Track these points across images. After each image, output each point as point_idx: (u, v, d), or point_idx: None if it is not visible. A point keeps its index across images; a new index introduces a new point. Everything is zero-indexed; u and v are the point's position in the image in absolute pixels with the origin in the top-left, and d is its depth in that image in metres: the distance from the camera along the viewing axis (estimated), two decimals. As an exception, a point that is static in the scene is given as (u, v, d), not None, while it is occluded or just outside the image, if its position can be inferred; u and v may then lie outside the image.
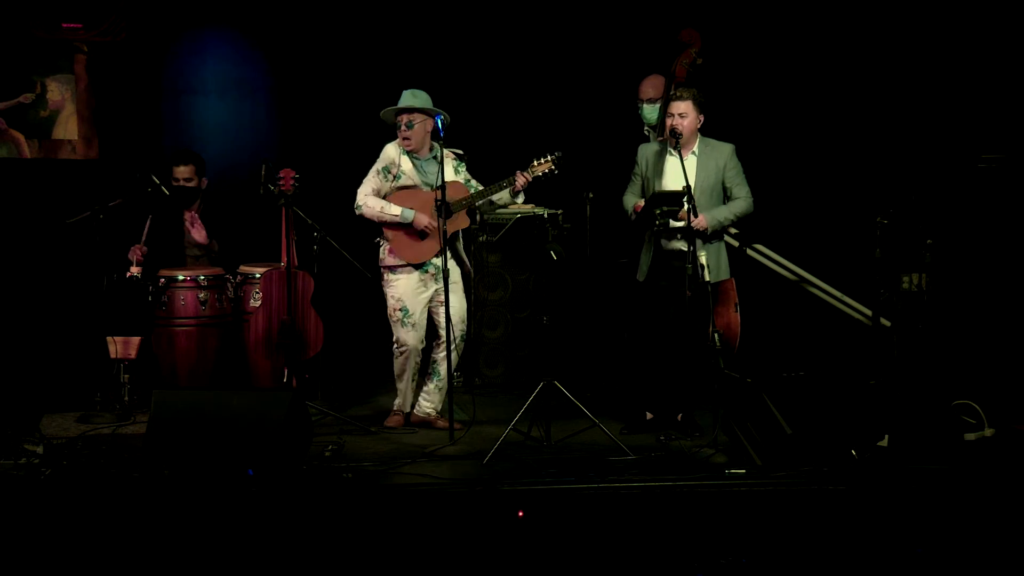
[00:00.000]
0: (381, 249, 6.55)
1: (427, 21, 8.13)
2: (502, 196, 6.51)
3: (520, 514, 5.05)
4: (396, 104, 6.47)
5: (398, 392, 6.61)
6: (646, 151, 6.46)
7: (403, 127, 6.44)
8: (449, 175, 6.42)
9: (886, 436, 5.91)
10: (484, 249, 7.65)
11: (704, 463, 5.68)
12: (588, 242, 7.17)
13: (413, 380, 6.57)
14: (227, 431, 5.37)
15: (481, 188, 6.49)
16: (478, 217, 7.58)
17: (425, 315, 6.52)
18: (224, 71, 8.22)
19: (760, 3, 8.03)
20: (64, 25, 7.95)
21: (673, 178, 6.24)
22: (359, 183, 6.54)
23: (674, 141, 6.18)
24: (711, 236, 6.24)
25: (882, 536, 5.08)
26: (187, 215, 7.23)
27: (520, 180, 6.35)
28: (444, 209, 6.23)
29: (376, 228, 6.55)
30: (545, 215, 7.48)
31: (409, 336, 6.47)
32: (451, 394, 6.35)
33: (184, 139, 8.02)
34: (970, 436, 6.15)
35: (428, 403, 6.58)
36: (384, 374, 6.73)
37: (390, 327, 6.55)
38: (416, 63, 7.71)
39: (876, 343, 6.36)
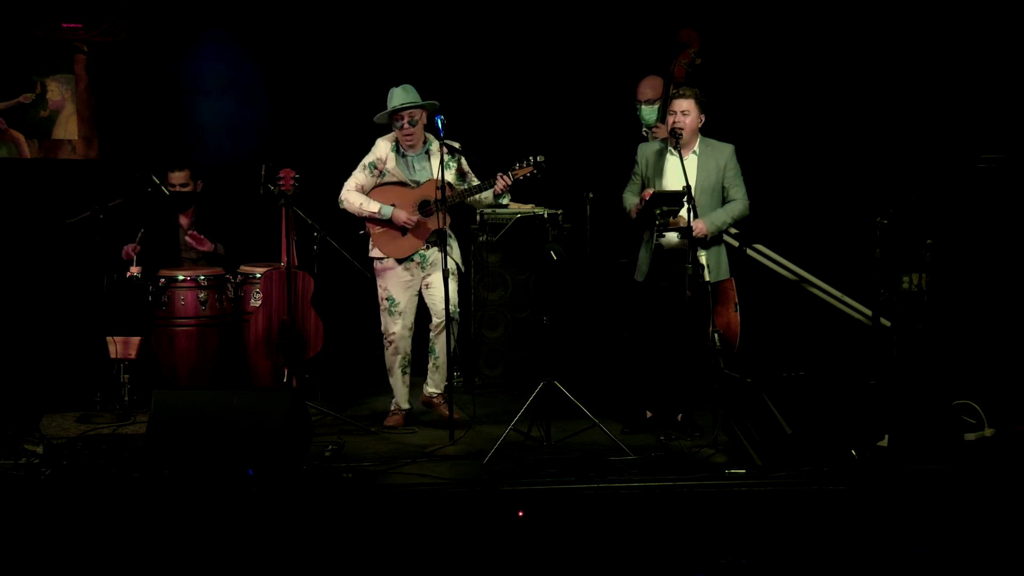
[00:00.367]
0: (369, 242, 6.62)
1: (427, 21, 8.13)
2: (486, 196, 6.54)
3: (520, 514, 5.05)
4: (387, 106, 6.45)
5: (392, 389, 6.66)
6: (646, 150, 6.45)
7: (406, 125, 6.44)
8: (436, 171, 6.44)
9: (886, 436, 5.91)
10: (484, 249, 7.65)
11: (704, 463, 5.68)
12: (588, 242, 7.17)
13: (404, 373, 6.62)
14: (227, 431, 5.37)
15: (464, 187, 6.53)
16: (478, 217, 7.59)
17: (413, 305, 6.60)
18: (224, 71, 8.21)
19: (759, 3, 8.03)
20: (64, 25, 7.95)
21: (674, 178, 6.23)
22: (356, 181, 6.57)
23: (674, 140, 6.18)
24: (710, 241, 6.25)
25: (882, 536, 5.08)
26: (183, 221, 7.23)
27: (500, 183, 6.37)
28: (422, 207, 6.32)
29: (361, 220, 6.59)
30: (545, 215, 7.49)
31: (396, 325, 6.55)
32: (451, 394, 6.37)
33: (184, 139, 8.03)
34: (970, 436, 6.15)
35: (431, 383, 6.66)
36: (384, 375, 6.73)
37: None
38: (416, 63, 7.70)
39: (876, 343, 6.36)
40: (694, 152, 6.31)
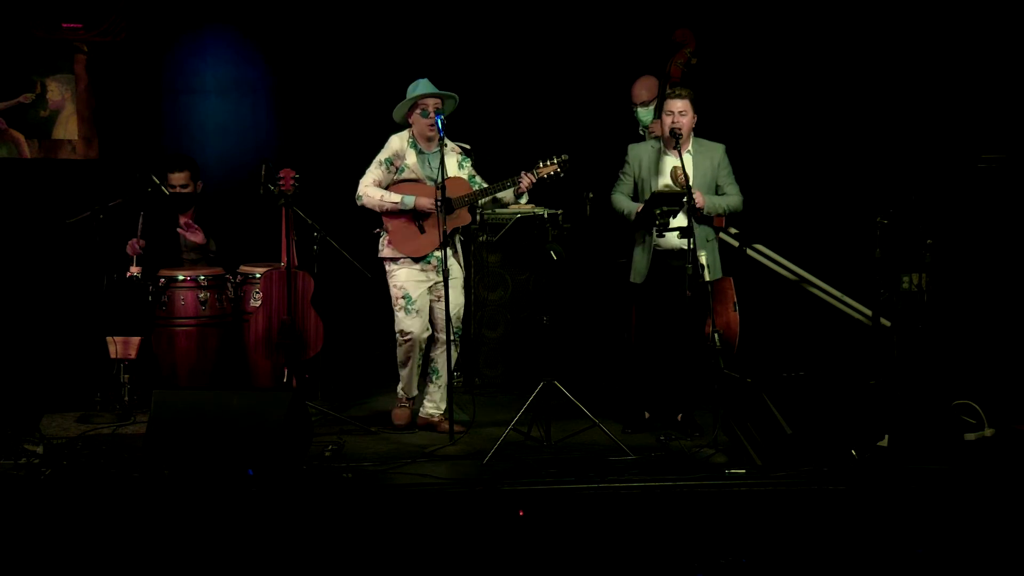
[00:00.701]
0: (380, 241, 6.54)
1: (426, 22, 8.13)
2: (506, 195, 6.47)
3: (520, 514, 5.05)
4: (407, 97, 6.40)
5: (400, 379, 6.56)
6: (639, 150, 6.44)
7: (432, 113, 6.33)
8: (453, 170, 6.41)
9: (886, 436, 5.91)
10: (484, 249, 7.64)
11: (704, 463, 5.68)
12: (588, 242, 7.16)
13: (418, 368, 6.54)
14: (227, 431, 5.37)
15: (485, 186, 6.47)
16: (478, 217, 7.58)
17: (427, 303, 6.48)
18: (224, 71, 8.22)
19: (757, 2, 8.02)
20: (64, 25, 7.95)
21: (673, 178, 6.24)
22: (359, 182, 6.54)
23: (674, 141, 6.17)
24: (702, 226, 6.21)
25: (882, 536, 5.08)
26: (181, 219, 7.23)
27: (525, 181, 6.27)
28: (445, 204, 6.21)
29: (376, 219, 6.54)
30: (545, 215, 7.48)
31: (414, 324, 6.42)
32: (451, 394, 6.36)
33: (184, 139, 8.02)
34: (970, 436, 6.15)
35: (431, 404, 6.57)
36: (384, 375, 6.74)
37: (393, 322, 6.51)
38: (415, 63, 7.68)
39: (876, 343, 6.37)
40: (688, 151, 6.32)
